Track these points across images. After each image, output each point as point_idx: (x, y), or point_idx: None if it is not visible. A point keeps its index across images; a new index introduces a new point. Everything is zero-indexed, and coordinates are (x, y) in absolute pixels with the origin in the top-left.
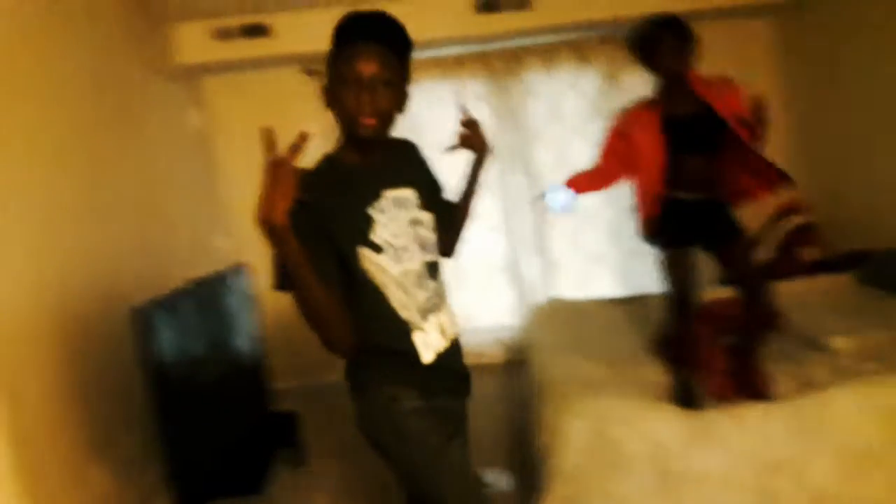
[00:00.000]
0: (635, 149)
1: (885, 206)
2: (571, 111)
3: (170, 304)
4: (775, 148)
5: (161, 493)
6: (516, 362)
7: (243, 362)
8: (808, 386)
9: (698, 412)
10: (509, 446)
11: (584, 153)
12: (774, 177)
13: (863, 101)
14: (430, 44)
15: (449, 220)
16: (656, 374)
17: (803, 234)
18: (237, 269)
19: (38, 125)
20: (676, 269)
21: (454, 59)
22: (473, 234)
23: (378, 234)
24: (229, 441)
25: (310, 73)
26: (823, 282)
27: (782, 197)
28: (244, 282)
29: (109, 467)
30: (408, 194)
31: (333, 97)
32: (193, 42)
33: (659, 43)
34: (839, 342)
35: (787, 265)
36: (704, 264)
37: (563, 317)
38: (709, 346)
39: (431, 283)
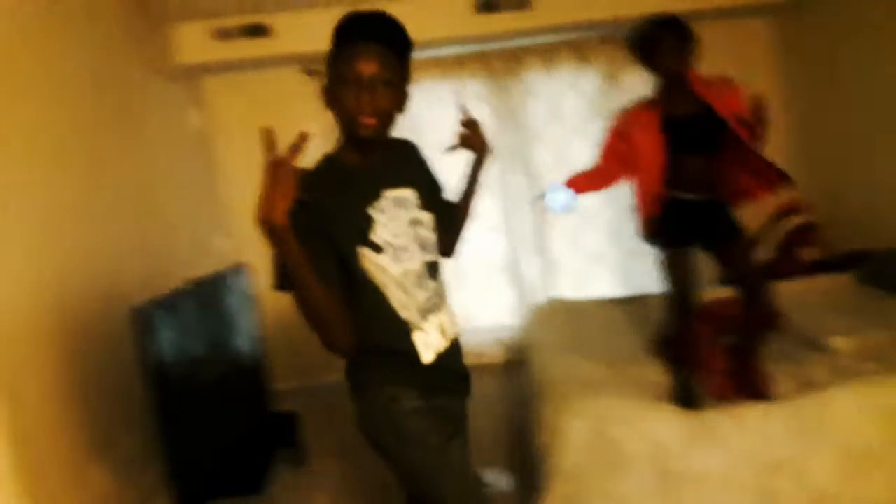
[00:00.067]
0: (635, 149)
1: (885, 206)
2: (571, 111)
3: (170, 304)
4: (775, 148)
5: (161, 493)
6: (516, 362)
7: (243, 362)
8: (808, 386)
9: (698, 412)
10: (509, 446)
11: (584, 153)
12: (774, 177)
13: (863, 101)
14: (430, 44)
15: (449, 220)
16: (656, 374)
17: (803, 234)
18: (237, 269)
19: (38, 125)
20: (676, 269)
21: (454, 59)
22: (473, 234)
23: (378, 234)
24: (229, 441)
25: (310, 73)
26: (823, 282)
27: (782, 197)
28: (244, 282)
29: (109, 467)
30: (408, 194)
31: (333, 97)
32: (193, 42)
33: (659, 43)
34: (839, 342)
35: (787, 265)
36: (704, 264)
37: (563, 317)
38: (709, 346)
39: (431, 283)
